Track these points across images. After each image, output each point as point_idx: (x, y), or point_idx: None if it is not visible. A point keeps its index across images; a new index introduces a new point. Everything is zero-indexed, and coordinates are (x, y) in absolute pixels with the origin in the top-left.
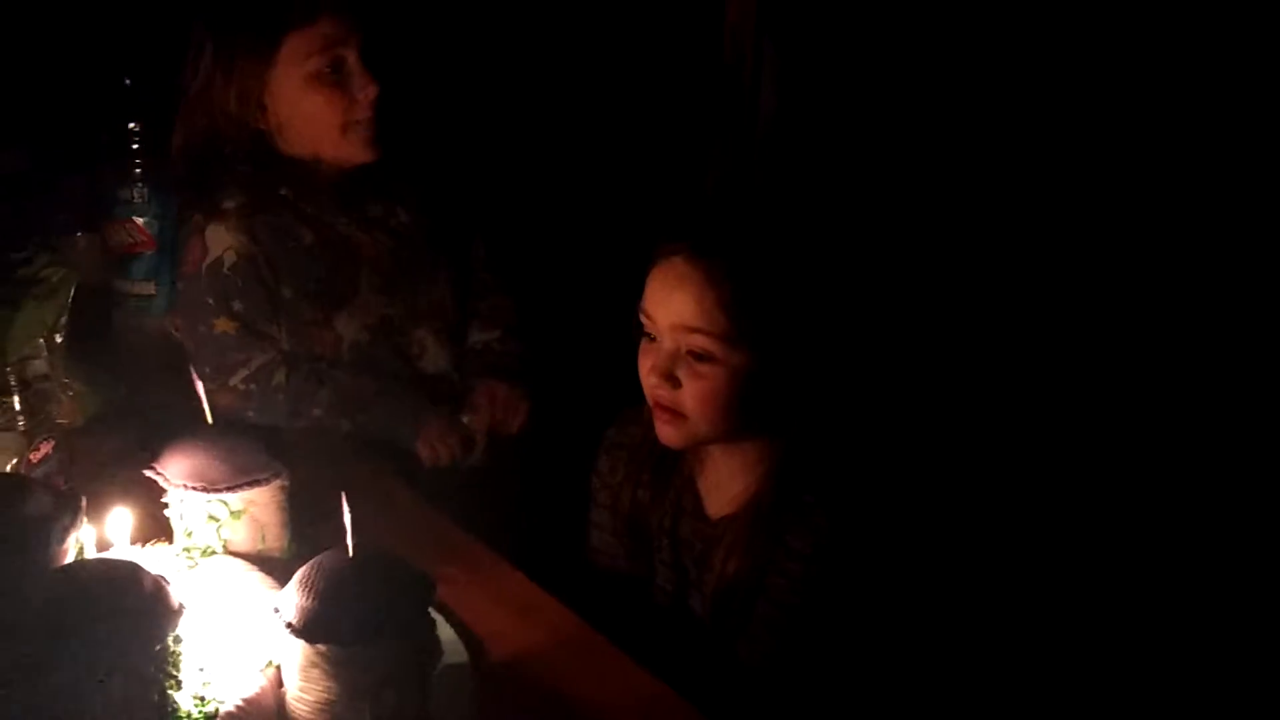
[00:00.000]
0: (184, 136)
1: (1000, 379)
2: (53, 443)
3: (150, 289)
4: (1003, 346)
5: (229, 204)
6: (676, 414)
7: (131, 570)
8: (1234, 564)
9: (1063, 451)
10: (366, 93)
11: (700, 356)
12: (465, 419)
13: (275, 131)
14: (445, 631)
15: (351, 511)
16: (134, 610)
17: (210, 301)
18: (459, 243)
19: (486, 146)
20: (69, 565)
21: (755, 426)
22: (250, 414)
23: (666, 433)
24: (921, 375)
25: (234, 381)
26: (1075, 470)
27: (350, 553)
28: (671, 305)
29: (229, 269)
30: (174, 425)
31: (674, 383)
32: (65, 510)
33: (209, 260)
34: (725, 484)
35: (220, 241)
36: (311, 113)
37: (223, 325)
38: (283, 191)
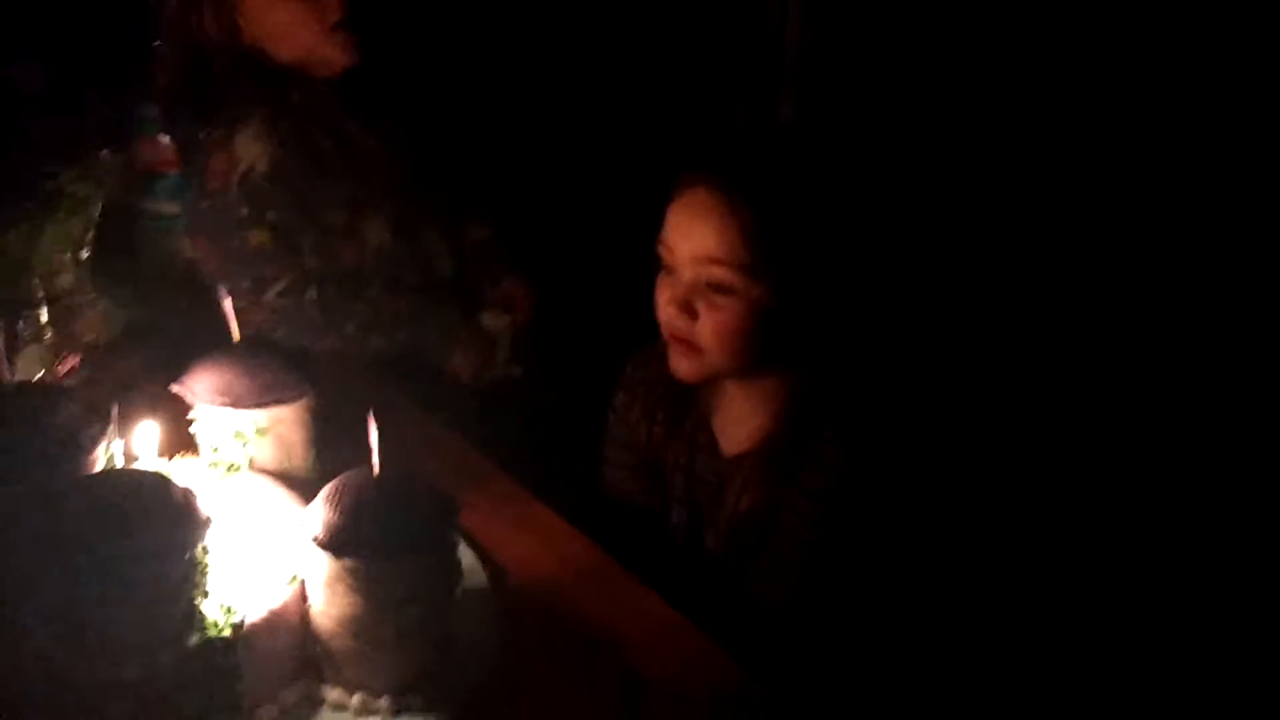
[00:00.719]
0: (172, 64)
1: (1020, 319)
2: (79, 356)
3: (175, 208)
4: (1024, 287)
5: (251, 113)
6: (693, 347)
7: (160, 481)
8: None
9: (1080, 391)
10: None
11: (720, 289)
12: (486, 322)
13: (261, 44)
14: (466, 556)
15: (377, 433)
16: (162, 520)
17: (244, 213)
18: (453, 154)
19: (507, 80)
20: (98, 475)
21: (771, 362)
22: (282, 331)
23: (682, 366)
24: (940, 314)
25: (268, 297)
26: (1093, 411)
27: (376, 471)
28: (693, 237)
29: (261, 177)
30: (199, 343)
31: (692, 315)
32: (95, 420)
33: (240, 171)
34: (740, 421)
35: (250, 151)
36: (285, 24)
37: (257, 238)
38: (295, 99)
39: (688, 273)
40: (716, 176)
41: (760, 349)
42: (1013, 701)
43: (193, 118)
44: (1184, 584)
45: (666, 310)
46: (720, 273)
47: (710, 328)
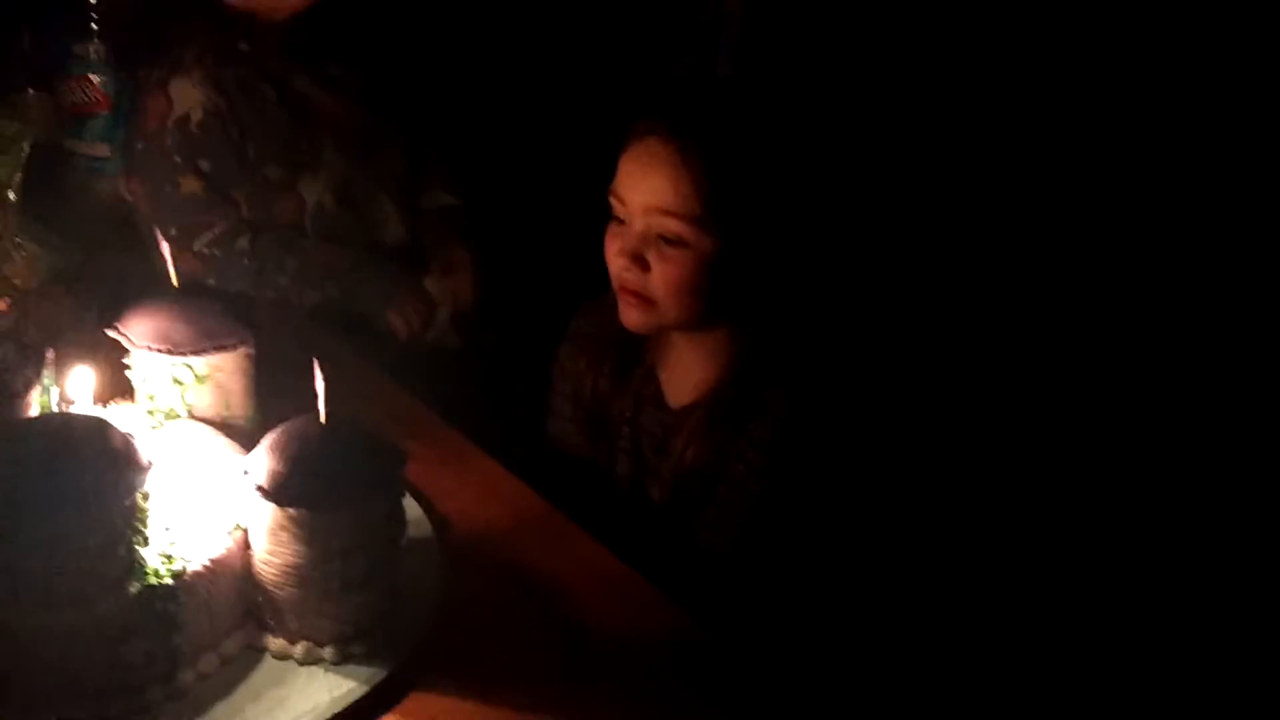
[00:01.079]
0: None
1: (967, 274)
2: (8, 300)
3: (105, 150)
4: (971, 244)
5: (193, 59)
6: (643, 298)
7: (99, 425)
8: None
9: (1026, 343)
10: None
11: (671, 240)
12: (427, 286)
13: None
14: (410, 507)
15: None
16: (102, 464)
17: (177, 160)
18: (412, 112)
19: (453, 27)
20: (35, 418)
21: (720, 315)
22: (212, 279)
23: (632, 317)
24: (890, 266)
25: (198, 246)
26: (1037, 363)
27: (322, 419)
28: (645, 187)
29: (196, 125)
30: (131, 288)
31: (642, 265)
32: (29, 361)
33: (175, 116)
34: (687, 373)
35: (187, 97)
36: None
37: (189, 185)
38: (242, 46)
39: (638, 223)
40: (668, 127)
41: (710, 301)
42: (957, 648)
43: (138, 55)
44: (1121, 540)
45: (617, 261)
46: (671, 224)
47: (661, 279)
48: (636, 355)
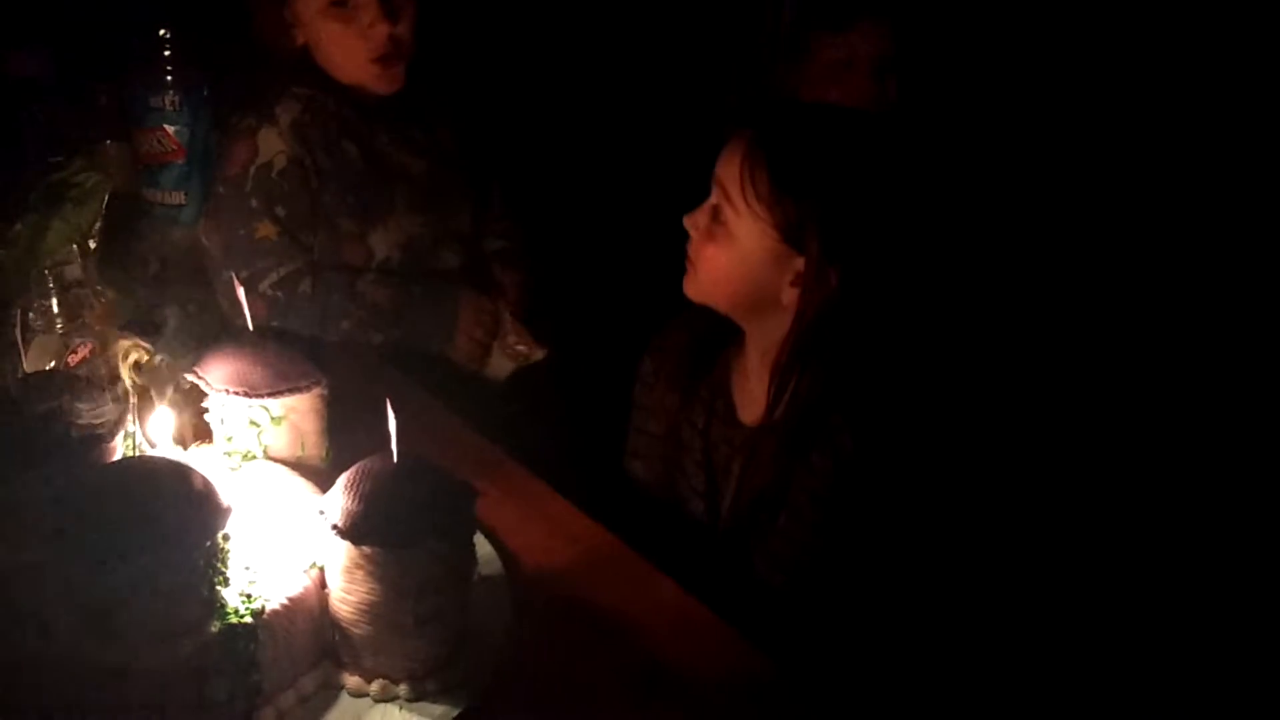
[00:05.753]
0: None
1: (1027, 309)
2: (90, 345)
3: (179, 198)
4: (1036, 272)
5: (283, 111)
6: (691, 264)
7: (181, 468)
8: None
9: (1089, 379)
10: (377, 29)
11: (720, 221)
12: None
13: (312, 52)
14: (480, 543)
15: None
16: (184, 507)
17: (255, 204)
18: (482, 164)
19: (511, 61)
20: (119, 462)
21: (761, 312)
22: (276, 321)
23: (686, 283)
24: (954, 302)
25: (262, 287)
26: (1100, 402)
27: (394, 459)
28: (725, 166)
29: (278, 173)
30: (206, 333)
31: (698, 233)
32: (115, 406)
33: (259, 163)
34: (759, 392)
35: (272, 146)
36: (331, 41)
37: (264, 230)
38: (332, 106)
39: (715, 198)
40: (755, 131)
41: (733, 298)
42: (1017, 688)
43: (228, 103)
44: (1182, 571)
45: (686, 223)
46: (726, 208)
47: (701, 247)
48: (708, 367)
